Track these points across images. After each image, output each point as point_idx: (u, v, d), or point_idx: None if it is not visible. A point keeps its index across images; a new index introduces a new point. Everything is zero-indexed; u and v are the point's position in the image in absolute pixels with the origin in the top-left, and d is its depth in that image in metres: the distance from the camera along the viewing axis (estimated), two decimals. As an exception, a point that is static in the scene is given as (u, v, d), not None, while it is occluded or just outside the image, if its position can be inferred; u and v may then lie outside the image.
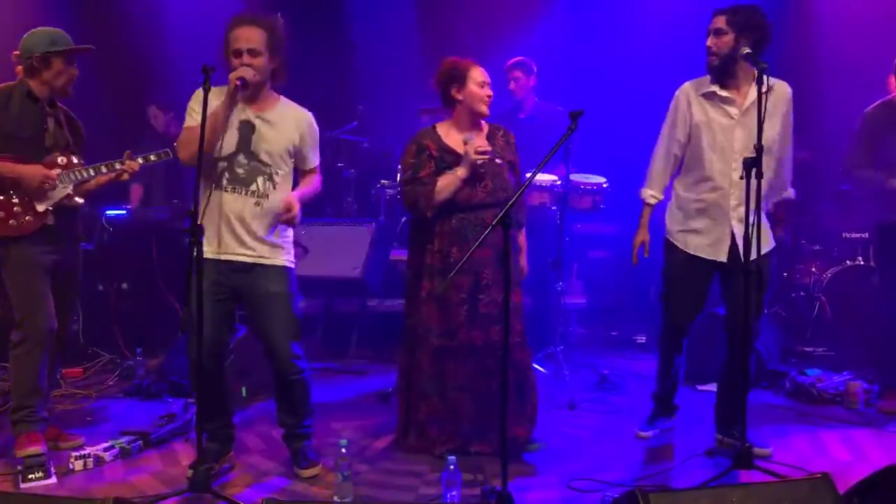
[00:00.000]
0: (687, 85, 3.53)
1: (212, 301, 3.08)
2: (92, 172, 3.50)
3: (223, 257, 3.15)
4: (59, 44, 3.44)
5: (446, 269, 3.32)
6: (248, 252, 3.16)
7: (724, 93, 3.39)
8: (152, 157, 3.57)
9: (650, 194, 3.65)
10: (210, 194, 3.10)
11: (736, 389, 3.34)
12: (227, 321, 3.23)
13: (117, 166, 3.51)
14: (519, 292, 3.50)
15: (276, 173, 3.20)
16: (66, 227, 3.53)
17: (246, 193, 3.15)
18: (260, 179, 3.16)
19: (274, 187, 3.19)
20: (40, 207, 3.41)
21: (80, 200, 3.54)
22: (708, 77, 3.44)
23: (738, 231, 3.33)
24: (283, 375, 3.26)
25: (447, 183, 3.33)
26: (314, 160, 3.37)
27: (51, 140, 3.48)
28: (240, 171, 3.14)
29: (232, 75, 3.01)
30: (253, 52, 3.07)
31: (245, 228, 3.15)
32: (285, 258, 3.27)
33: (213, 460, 3.24)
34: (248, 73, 3.02)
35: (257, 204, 3.16)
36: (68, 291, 3.62)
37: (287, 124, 3.24)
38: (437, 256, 3.39)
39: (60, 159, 3.47)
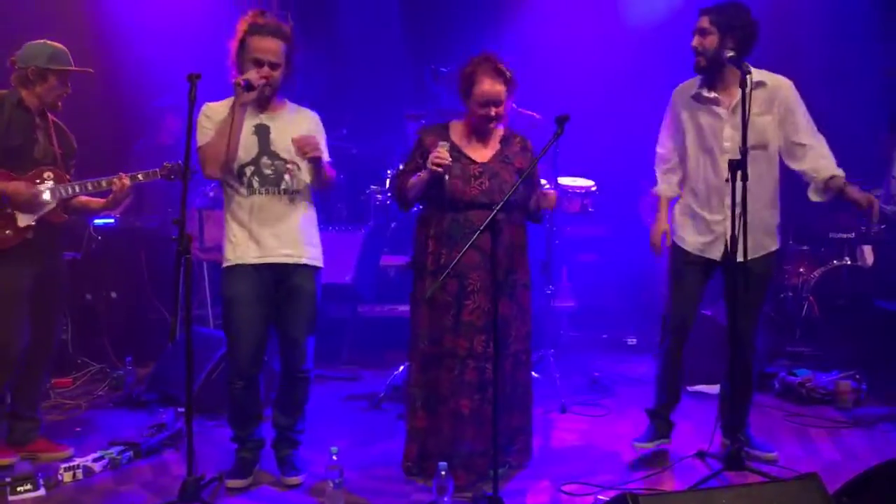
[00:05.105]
0: (679, 87, 3.56)
1: (253, 306, 3.18)
2: (78, 189, 3.50)
3: (262, 261, 3.20)
4: (58, 61, 3.44)
5: (438, 272, 3.25)
6: (287, 252, 3.21)
7: (710, 94, 3.40)
8: (140, 177, 3.57)
9: (662, 188, 3.64)
10: (239, 202, 3.19)
11: (734, 391, 3.36)
12: (268, 325, 3.27)
13: (104, 184, 3.51)
14: (517, 300, 3.31)
15: (299, 168, 3.24)
16: (48, 241, 3.52)
17: (278, 192, 3.20)
18: (287, 177, 3.22)
19: (299, 181, 3.25)
20: (22, 223, 3.40)
21: (64, 216, 3.54)
22: (698, 78, 3.45)
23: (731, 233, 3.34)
24: (293, 371, 3.31)
25: (413, 182, 3.27)
26: (326, 155, 3.32)
27: (40, 152, 3.47)
28: (268, 172, 3.19)
29: (237, 79, 3.04)
30: (273, 66, 3.12)
31: (282, 228, 3.20)
32: (317, 258, 3.32)
33: (249, 473, 3.29)
34: (252, 76, 3.04)
35: (291, 200, 3.22)
36: (52, 303, 3.61)
37: (300, 122, 3.29)
38: (432, 258, 3.29)
39: (48, 174, 3.47)
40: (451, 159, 3.13)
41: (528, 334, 3.39)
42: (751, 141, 3.23)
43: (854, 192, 3.35)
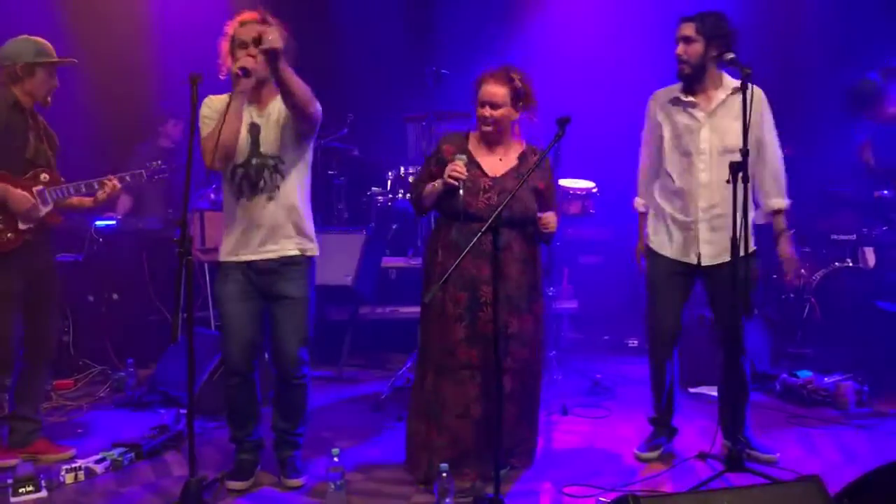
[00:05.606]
0: (657, 92, 3.58)
1: (240, 302, 3.20)
2: (72, 190, 3.54)
3: (249, 258, 3.20)
4: (44, 55, 3.46)
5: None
6: (273, 249, 3.21)
7: (688, 98, 3.43)
8: (127, 178, 3.63)
9: (639, 203, 3.71)
10: (231, 202, 3.21)
11: (729, 393, 3.36)
12: (258, 322, 3.27)
13: (95, 186, 3.55)
14: (533, 312, 3.33)
15: (283, 161, 3.21)
16: (40, 241, 3.55)
17: (261, 193, 3.19)
18: (266, 173, 3.18)
19: (282, 177, 3.21)
20: (22, 226, 3.44)
21: (59, 218, 3.58)
22: (678, 84, 3.47)
23: (705, 236, 3.39)
24: (286, 379, 3.30)
25: (428, 191, 3.28)
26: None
27: (31, 152, 3.50)
28: (254, 174, 3.19)
29: (234, 66, 3.04)
30: (258, 43, 3.09)
31: (266, 227, 3.19)
32: (308, 248, 3.29)
33: (250, 474, 3.29)
34: (249, 63, 3.03)
35: (270, 198, 3.20)
36: (46, 301, 3.62)
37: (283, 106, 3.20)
38: (440, 267, 3.27)
39: (43, 176, 3.50)
40: (467, 174, 3.14)
41: (540, 343, 3.42)
42: (727, 143, 3.30)
43: (784, 245, 3.49)
